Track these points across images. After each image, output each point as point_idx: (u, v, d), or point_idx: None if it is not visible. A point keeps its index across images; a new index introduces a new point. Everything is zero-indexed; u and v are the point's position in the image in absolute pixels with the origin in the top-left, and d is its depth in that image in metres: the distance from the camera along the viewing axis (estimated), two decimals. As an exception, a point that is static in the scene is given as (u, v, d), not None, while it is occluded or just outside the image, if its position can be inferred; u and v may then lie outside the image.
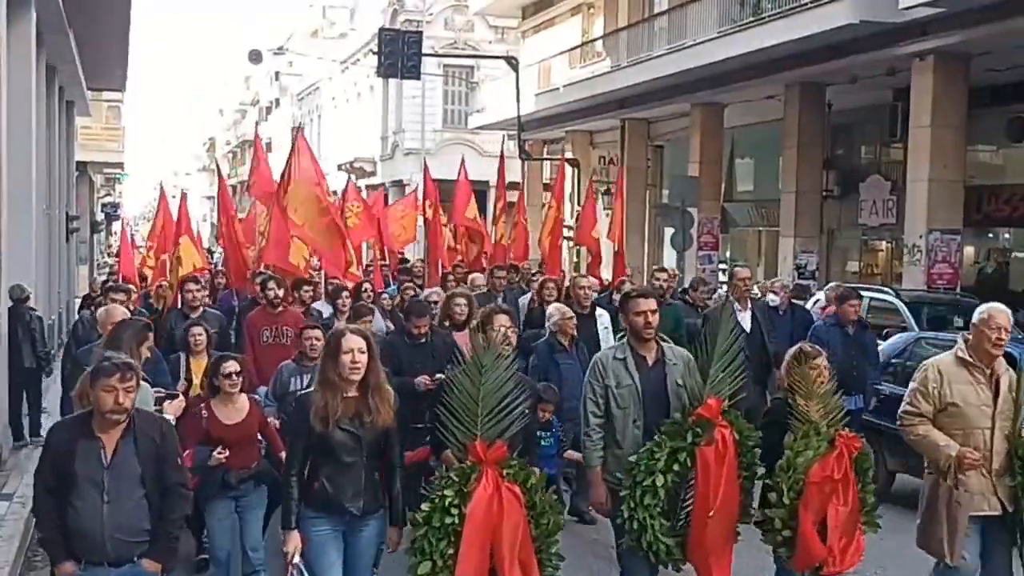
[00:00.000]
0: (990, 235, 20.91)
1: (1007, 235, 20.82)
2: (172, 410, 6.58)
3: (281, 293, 10.11)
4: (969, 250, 20.01)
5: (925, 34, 16.96)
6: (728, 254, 26.98)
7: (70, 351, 10.07)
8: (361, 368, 5.26)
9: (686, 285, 14.39)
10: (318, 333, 7.94)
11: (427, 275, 15.82)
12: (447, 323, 9.12)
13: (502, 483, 5.13)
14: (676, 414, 5.87)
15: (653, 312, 6.10)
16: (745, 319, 10.61)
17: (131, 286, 12.87)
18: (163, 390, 7.00)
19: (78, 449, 4.89)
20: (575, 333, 9.30)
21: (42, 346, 12.21)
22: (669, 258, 24.19)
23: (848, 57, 18.46)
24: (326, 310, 11.30)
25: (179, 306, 10.88)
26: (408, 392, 7.54)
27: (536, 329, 10.44)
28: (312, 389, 5.36)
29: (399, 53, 28.36)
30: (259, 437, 7.19)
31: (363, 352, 5.26)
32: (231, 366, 6.92)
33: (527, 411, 5.51)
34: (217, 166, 29.85)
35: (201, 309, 10.31)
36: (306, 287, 11.55)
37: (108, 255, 22.49)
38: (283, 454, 6.59)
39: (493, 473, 5.12)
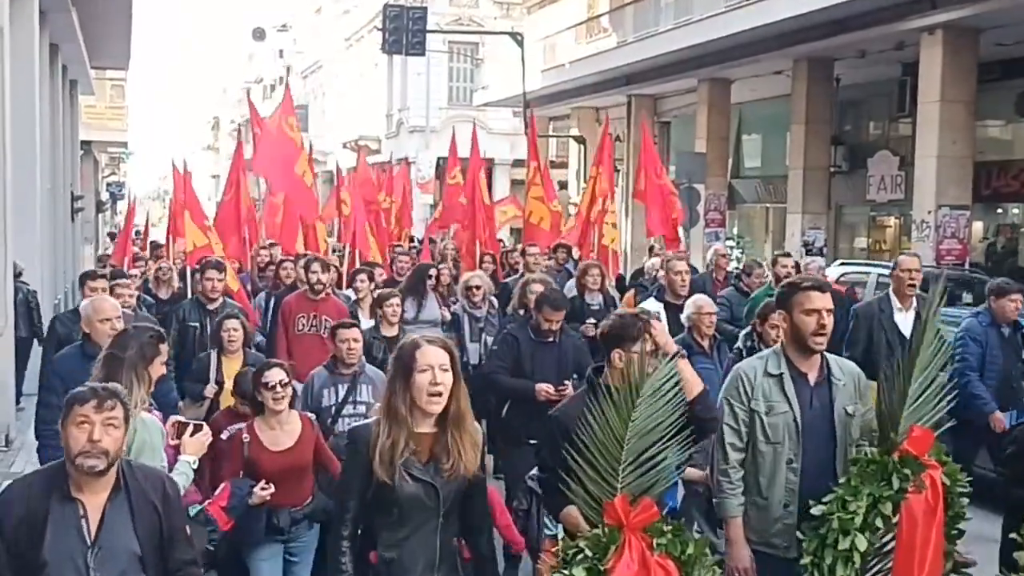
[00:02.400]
0: (999, 210, 20.81)
1: (1016, 211, 20.72)
2: (193, 449, 4.91)
3: (326, 279, 9.05)
4: (978, 226, 19.93)
5: (934, 8, 16.84)
6: (735, 231, 26.90)
7: (49, 356, 7.51)
8: (444, 394, 3.74)
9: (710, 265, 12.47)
10: (356, 333, 6.61)
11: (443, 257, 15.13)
12: (522, 312, 8.20)
13: (651, 557, 3.81)
14: (868, 448, 4.49)
15: (829, 311, 4.54)
16: (906, 320, 8.19)
17: (118, 272, 10.98)
18: (182, 418, 5.30)
19: (50, 519, 3.51)
20: (715, 332, 7.71)
21: (38, 319, 12.58)
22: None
23: (856, 31, 18.33)
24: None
25: (188, 294, 9.90)
26: (525, 400, 6.80)
27: (576, 324, 9.01)
28: (371, 421, 3.91)
29: (404, 30, 28.23)
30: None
31: (446, 370, 3.74)
32: (275, 375, 5.56)
33: (691, 456, 4.26)
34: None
35: (221, 299, 8.93)
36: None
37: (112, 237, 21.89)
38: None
39: (639, 543, 3.79)
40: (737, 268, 13.31)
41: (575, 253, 13.54)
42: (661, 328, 4.72)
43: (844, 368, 4.70)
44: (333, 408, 6.42)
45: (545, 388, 6.81)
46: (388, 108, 44.46)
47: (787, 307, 4.59)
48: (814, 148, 21.65)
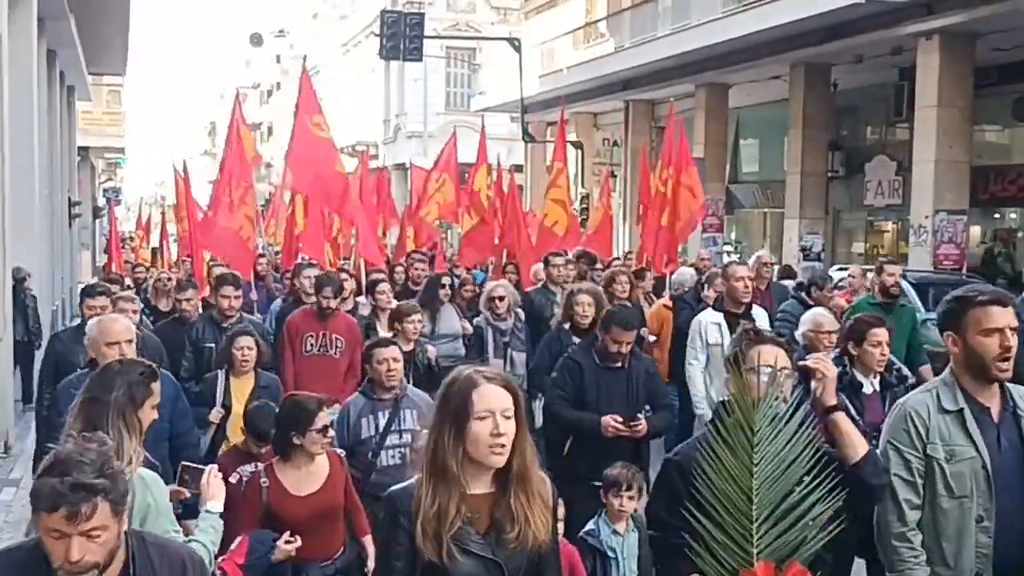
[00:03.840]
0: (996, 215, 20.85)
1: (1013, 215, 20.76)
2: (211, 493, 4.07)
3: (335, 304, 8.15)
4: (975, 230, 19.96)
5: (931, 13, 16.88)
6: (733, 236, 26.92)
7: (46, 378, 6.92)
8: (507, 447, 2.93)
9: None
10: (395, 352, 5.78)
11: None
12: (567, 327, 7.57)
13: None
14: None
15: (1014, 330, 3.67)
16: None
17: (106, 284, 9.36)
18: (190, 463, 4.65)
19: None
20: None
21: (34, 322, 12.91)
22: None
23: (853, 37, 18.37)
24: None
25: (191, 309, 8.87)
26: (590, 435, 6.02)
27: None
28: (410, 484, 3.05)
29: (401, 35, 28.24)
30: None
31: (509, 417, 2.93)
32: (327, 416, 4.89)
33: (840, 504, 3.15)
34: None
35: (237, 316, 8.17)
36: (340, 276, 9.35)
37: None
38: (368, 543, 4.97)
39: None
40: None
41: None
42: (828, 369, 3.60)
43: None
44: (375, 439, 5.63)
45: (613, 422, 5.97)
46: (385, 114, 44.49)
47: (958, 327, 3.70)
48: (811, 153, 21.67)
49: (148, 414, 3.94)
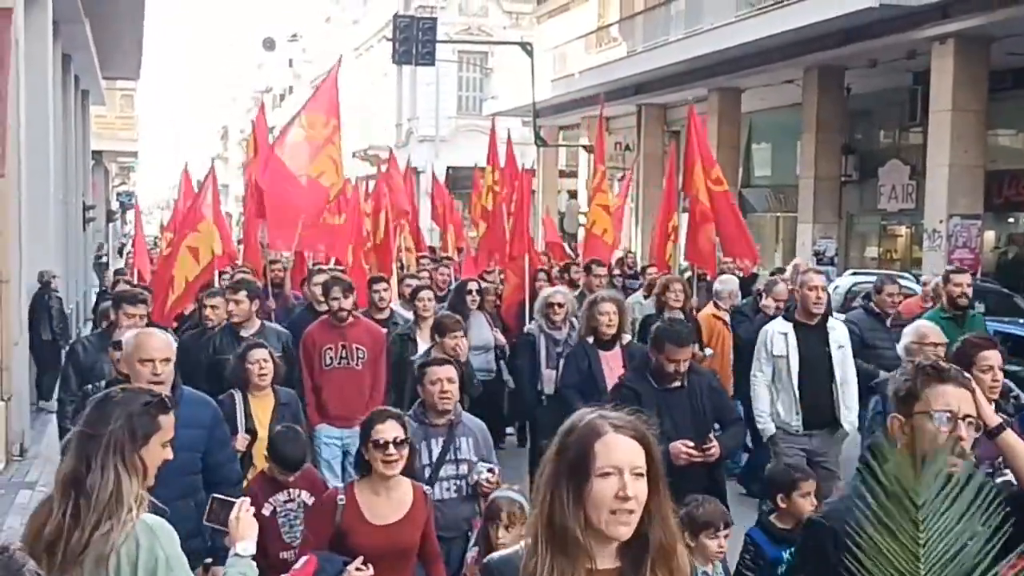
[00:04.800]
0: (1011, 220, 20.78)
1: (1028, 219, 20.69)
2: (240, 532, 3.46)
3: (349, 304, 7.56)
4: (990, 235, 19.90)
5: (945, 17, 16.83)
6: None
7: (68, 386, 6.72)
8: (635, 511, 2.35)
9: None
10: (451, 372, 5.20)
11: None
12: (590, 339, 7.13)
13: None
14: None
15: None
16: None
17: (146, 291, 8.35)
18: (222, 495, 3.78)
19: None
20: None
21: (59, 322, 13.17)
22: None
23: (867, 40, 18.33)
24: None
25: (201, 317, 8.27)
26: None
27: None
28: (513, 551, 2.54)
29: (413, 40, 28.26)
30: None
31: (640, 474, 2.35)
32: (389, 430, 4.32)
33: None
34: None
35: (256, 324, 7.47)
36: (378, 284, 8.88)
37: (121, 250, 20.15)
38: None
39: None
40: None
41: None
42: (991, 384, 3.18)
43: None
44: (428, 469, 5.06)
45: (684, 448, 5.44)
46: (398, 118, 44.55)
47: None
48: (825, 157, 21.62)
49: (155, 453, 3.28)
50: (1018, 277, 18.59)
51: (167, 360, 4.50)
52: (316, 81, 59.49)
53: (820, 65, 20.85)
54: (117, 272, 15.44)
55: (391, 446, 4.29)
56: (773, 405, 7.13)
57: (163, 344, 4.58)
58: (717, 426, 5.80)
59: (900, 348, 6.11)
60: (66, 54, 16.75)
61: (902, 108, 21.06)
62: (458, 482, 5.10)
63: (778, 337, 7.16)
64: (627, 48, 27.22)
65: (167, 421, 3.35)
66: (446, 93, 40.48)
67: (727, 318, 9.40)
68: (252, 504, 3.92)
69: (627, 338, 7.35)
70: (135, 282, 11.97)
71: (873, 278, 15.45)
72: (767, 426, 7.13)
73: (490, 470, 5.02)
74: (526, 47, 29.77)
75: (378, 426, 4.32)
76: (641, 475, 2.35)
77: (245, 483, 5.43)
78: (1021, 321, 11.82)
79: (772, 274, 11.70)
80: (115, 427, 3.17)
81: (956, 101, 17.43)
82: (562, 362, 7.80)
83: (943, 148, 17.68)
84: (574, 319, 8.23)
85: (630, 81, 26.08)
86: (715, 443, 5.54)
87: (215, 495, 3.71)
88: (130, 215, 46.19)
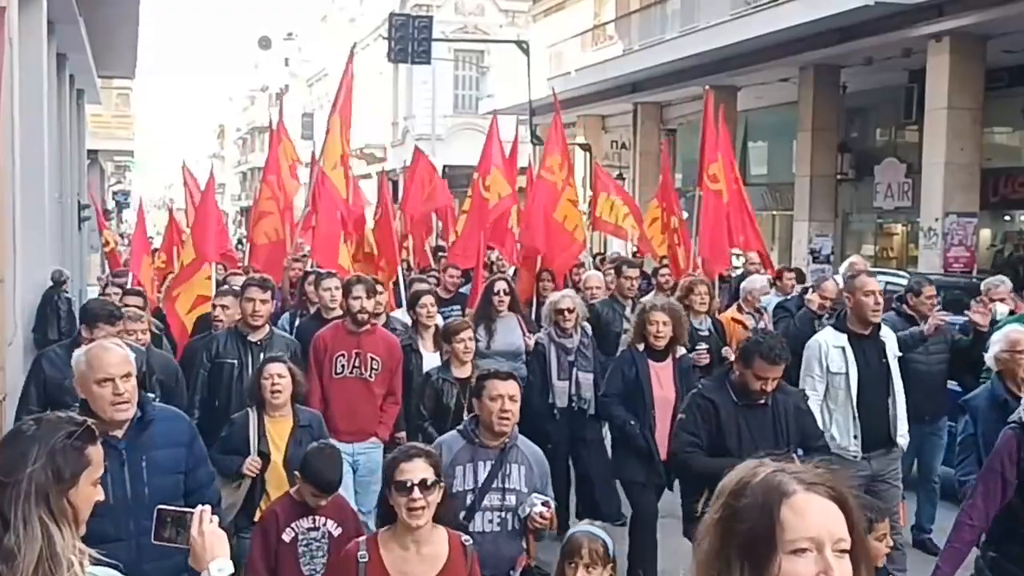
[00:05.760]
0: (1007, 218, 20.77)
1: (1024, 218, 20.69)
2: (209, 549, 2.79)
3: (370, 306, 7.03)
4: (985, 233, 19.88)
5: (941, 15, 16.81)
6: (741, 238, 26.83)
7: (27, 403, 6.00)
8: None
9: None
10: (514, 389, 4.57)
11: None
12: (641, 347, 6.71)
13: None
14: None
15: None
16: None
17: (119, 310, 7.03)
18: (168, 506, 3.09)
19: None
20: None
21: (66, 322, 13.37)
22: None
23: (863, 38, 18.31)
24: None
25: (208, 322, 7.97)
26: None
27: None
28: None
29: (409, 38, 28.28)
30: None
31: (843, 552, 1.79)
32: (416, 470, 3.69)
33: None
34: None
35: (266, 329, 6.86)
36: (417, 283, 8.58)
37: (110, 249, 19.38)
38: None
39: None
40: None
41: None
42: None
43: None
44: (471, 496, 4.48)
45: None
46: (393, 116, 44.52)
47: None
48: (821, 155, 21.61)
49: (86, 493, 2.65)
50: (1014, 275, 18.60)
51: (128, 376, 3.93)
52: (312, 81, 59.58)
53: (816, 63, 20.83)
54: (116, 274, 14.52)
55: (418, 490, 3.64)
56: (828, 426, 6.34)
57: (120, 358, 3.96)
58: (801, 451, 5.19)
59: (989, 357, 5.69)
60: (61, 53, 16.70)
61: (898, 106, 21.04)
62: (503, 514, 4.49)
63: (834, 351, 6.37)
64: (623, 46, 27.20)
65: (96, 454, 2.72)
66: (442, 92, 40.44)
67: (748, 321, 8.92)
68: (273, 527, 3.82)
69: (681, 351, 6.91)
70: (131, 286, 11.37)
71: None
72: None
73: (545, 503, 4.42)
74: (522, 46, 29.77)
75: (403, 465, 3.70)
76: (844, 550, 1.76)
77: (263, 502, 5.12)
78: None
79: (779, 272, 11.51)
80: (34, 469, 2.53)
81: (952, 99, 17.42)
82: (569, 367, 7.55)
83: (939, 146, 17.67)
84: (585, 324, 7.90)
85: (626, 79, 26.04)
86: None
87: (160, 507, 3.01)
88: (126, 214, 46.17)
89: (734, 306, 9.39)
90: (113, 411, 3.87)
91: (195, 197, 15.79)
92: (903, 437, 6.52)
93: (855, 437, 6.31)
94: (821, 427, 6.14)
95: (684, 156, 27.51)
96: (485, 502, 4.49)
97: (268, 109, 66.30)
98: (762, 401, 5.22)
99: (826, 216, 21.98)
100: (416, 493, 3.63)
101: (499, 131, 13.25)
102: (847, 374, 6.30)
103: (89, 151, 28.23)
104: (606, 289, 9.90)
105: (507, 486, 4.51)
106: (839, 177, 22.17)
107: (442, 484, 3.75)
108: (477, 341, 7.17)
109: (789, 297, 9.29)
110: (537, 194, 11.49)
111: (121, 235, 31.69)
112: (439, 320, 7.97)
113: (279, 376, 5.46)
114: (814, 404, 6.25)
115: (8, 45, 10.14)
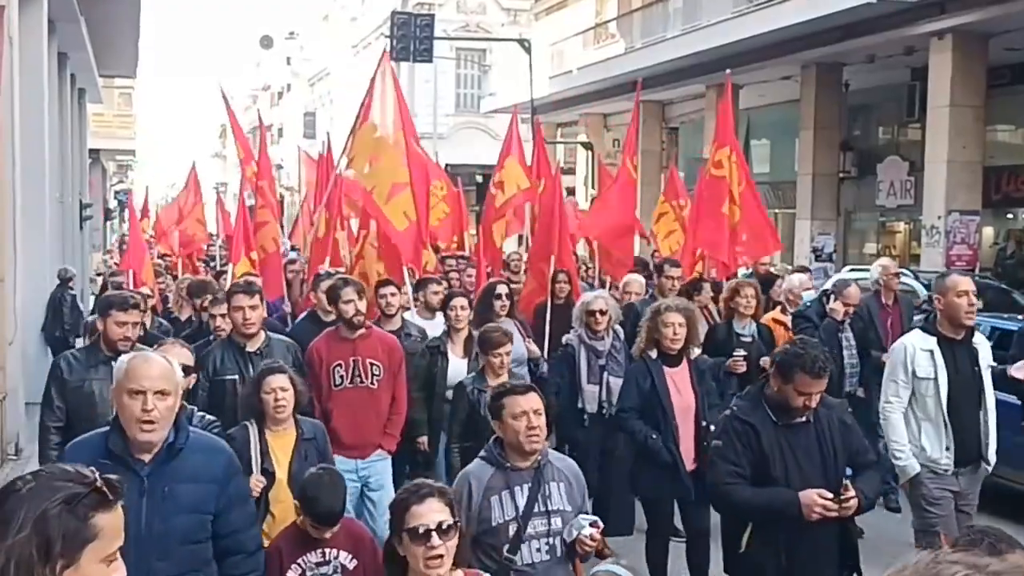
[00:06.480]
0: (1009, 215, 20.74)
1: (1026, 215, 20.66)
2: None
3: (364, 307, 6.54)
4: (988, 231, 19.86)
5: (943, 12, 16.79)
6: (744, 237, 26.81)
7: (51, 409, 5.59)
8: None
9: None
10: (538, 403, 4.09)
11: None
12: (654, 354, 6.35)
13: None
14: None
15: None
16: None
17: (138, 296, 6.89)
18: None
19: None
20: None
21: (70, 318, 13.88)
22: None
23: (865, 36, 18.29)
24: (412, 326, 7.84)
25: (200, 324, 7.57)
26: (783, 519, 4.52)
27: (720, 358, 7.43)
28: None
29: (411, 37, 28.23)
30: None
31: None
32: (431, 512, 3.20)
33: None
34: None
35: (262, 336, 6.30)
36: (384, 288, 7.74)
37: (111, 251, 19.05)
38: None
39: None
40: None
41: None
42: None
43: None
44: (514, 525, 4.00)
45: (820, 500, 4.39)
46: (395, 115, 44.51)
47: None
48: (823, 154, 21.60)
49: (93, 572, 2.06)
50: (1017, 273, 18.57)
51: (163, 393, 3.44)
52: (314, 80, 59.59)
53: (818, 61, 20.82)
54: (112, 275, 13.96)
55: (436, 536, 3.14)
56: (918, 438, 5.86)
57: (160, 372, 3.49)
58: (849, 470, 4.77)
59: None
60: (62, 53, 16.70)
61: (900, 104, 21.03)
62: (550, 540, 4.04)
63: (922, 355, 5.85)
64: (625, 45, 27.17)
65: (109, 523, 2.09)
66: (444, 90, 40.41)
67: (788, 321, 8.52)
68: (276, 565, 3.29)
69: (695, 352, 6.50)
70: (130, 287, 10.60)
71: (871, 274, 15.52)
72: (908, 463, 5.84)
73: (593, 523, 4.03)
74: (524, 44, 29.73)
75: (415, 508, 3.18)
76: None
77: (264, 539, 4.36)
78: (1020, 317, 11.78)
79: (792, 271, 11.20)
80: (16, 540, 1.98)
81: (954, 97, 17.40)
82: (600, 371, 7.17)
83: (941, 144, 17.65)
84: (617, 327, 7.50)
85: (628, 77, 25.99)
86: (854, 493, 4.45)
87: None
88: (128, 213, 46.28)
89: (776, 308, 8.93)
90: (137, 429, 3.40)
91: (191, 198, 15.83)
92: (992, 455, 5.96)
93: (947, 449, 5.79)
94: (909, 437, 5.84)
95: (686, 154, 27.49)
96: (529, 530, 4.03)
97: (270, 108, 66.43)
98: (803, 419, 4.62)
99: (828, 214, 21.96)
100: (435, 540, 3.15)
101: (518, 129, 12.92)
102: (936, 380, 5.81)
103: (91, 150, 28.22)
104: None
105: (550, 508, 4.07)
106: (841, 175, 22.16)
107: (459, 524, 3.31)
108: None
109: (808, 305, 8.70)
110: (706, 190, 10.85)
111: (123, 235, 31.72)
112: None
113: (281, 390, 5.00)
114: (897, 412, 5.89)
115: (8, 44, 10.14)
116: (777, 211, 25.68)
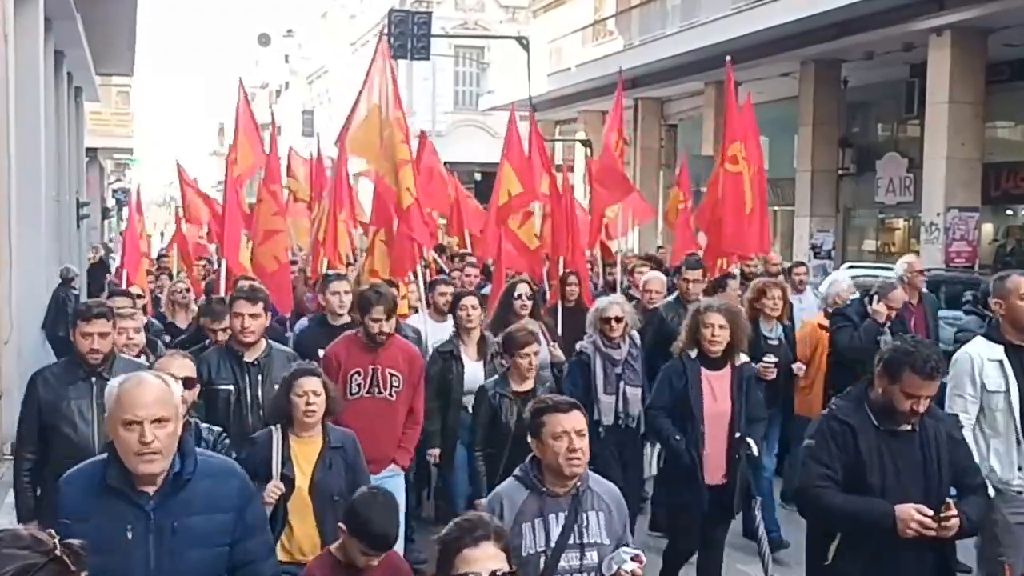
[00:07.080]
0: (1008, 212, 20.71)
1: (1026, 212, 20.64)
2: None
3: (390, 327, 6.11)
4: (987, 227, 19.84)
5: (942, 9, 16.77)
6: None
7: (26, 432, 5.26)
8: None
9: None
10: (581, 422, 3.72)
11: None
12: (692, 353, 6.09)
13: None
14: None
15: None
16: None
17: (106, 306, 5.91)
18: None
19: None
20: None
21: (73, 320, 13.81)
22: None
23: (864, 33, 18.28)
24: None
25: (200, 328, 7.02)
26: (875, 531, 4.11)
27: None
28: None
29: (409, 34, 28.18)
30: None
31: None
32: (488, 559, 2.82)
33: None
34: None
35: (263, 346, 5.87)
36: (441, 286, 7.63)
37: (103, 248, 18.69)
38: None
39: None
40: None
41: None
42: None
43: None
44: (543, 557, 3.67)
45: (918, 516, 3.97)
46: (394, 113, 44.47)
47: None
48: (822, 150, 21.58)
49: None
50: (1016, 269, 18.56)
51: (161, 421, 3.11)
52: (312, 77, 59.52)
53: (817, 58, 20.79)
54: (111, 286, 13.61)
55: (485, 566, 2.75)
56: (988, 456, 5.21)
57: (155, 396, 3.13)
58: (953, 490, 4.29)
59: None
60: (58, 51, 16.65)
61: (899, 100, 21.00)
62: (584, 575, 3.72)
63: (990, 366, 5.23)
64: (623, 42, 27.14)
65: None
66: (442, 88, 40.39)
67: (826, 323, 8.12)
68: None
69: (743, 358, 6.16)
70: (124, 287, 10.51)
71: (871, 271, 15.52)
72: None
73: (634, 558, 3.68)
74: (522, 41, 29.69)
75: (467, 552, 2.78)
76: None
77: (282, 553, 4.03)
78: None
79: (790, 268, 10.85)
80: None
81: (953, 93, 17.38)
82: (616, 380, 6.77)
83: (940, 141, 17.63)
84: (634, 333, 7.09)
85: (626, 75, 25.95)
86: (956, 513, 4.00)
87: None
88: (127, 212, 46.15)
89: (820, 312, 8.54)
90: (137, 462, 3.08)
91: (188, 195, 15.77)
92: None
93: (1020, 469, 5.18)
94: (977, 458, 4.91)
95: (684, 151, 27.46)
96: (563, 563, 3.68)
97: (269, 106, 66.38)
98: (909, 427, 4.18)
99: (827, 211, 21.94)
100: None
101: (517, 128, 12.42)
102: (1008, 392, 5.17)
103: (88, 149, 28.17)
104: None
105: (586, 540, 3.69)
106: (840, 172, 22.13)
107: (516, 573, 2.91)
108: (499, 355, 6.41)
109: (849, 303, 8.18)
110: (724, 188, 10.47)
111: (120, 233, 31.65)
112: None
113: (314, 393, 4.67)
114: (967, 430, 5.11)
115: (3, 41, 10.11)
116: (776, 208, 25.64)
